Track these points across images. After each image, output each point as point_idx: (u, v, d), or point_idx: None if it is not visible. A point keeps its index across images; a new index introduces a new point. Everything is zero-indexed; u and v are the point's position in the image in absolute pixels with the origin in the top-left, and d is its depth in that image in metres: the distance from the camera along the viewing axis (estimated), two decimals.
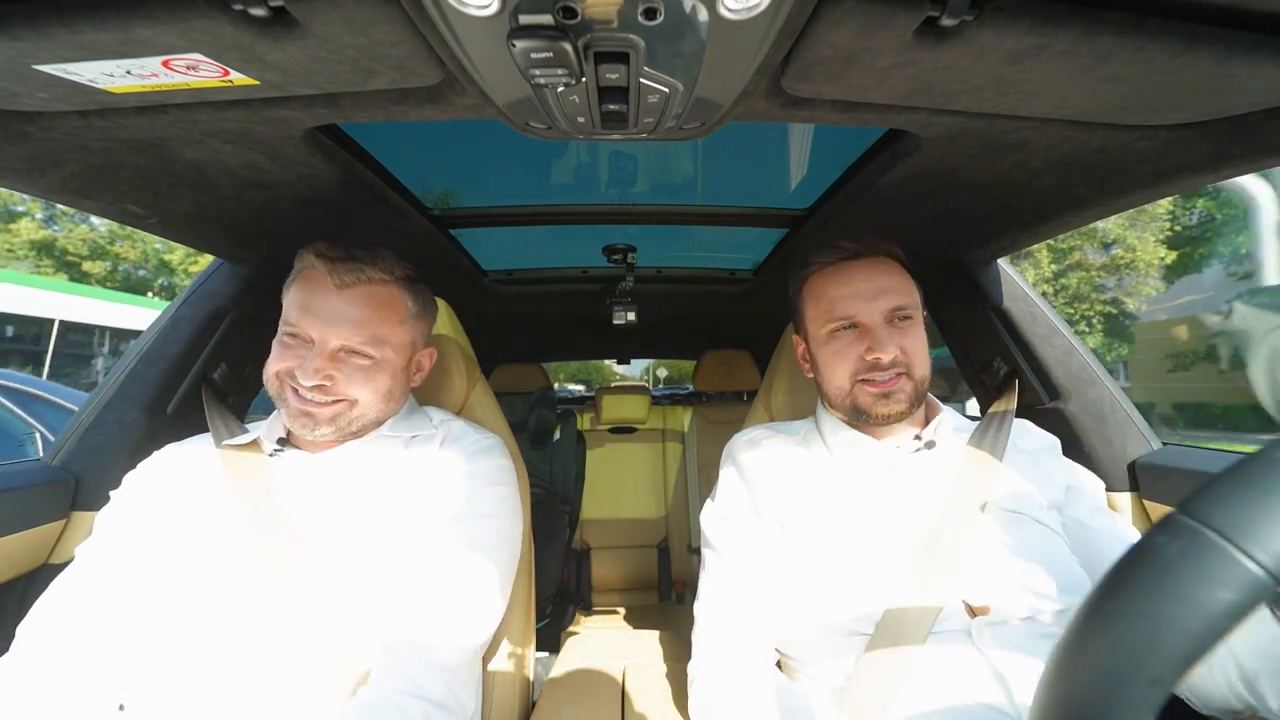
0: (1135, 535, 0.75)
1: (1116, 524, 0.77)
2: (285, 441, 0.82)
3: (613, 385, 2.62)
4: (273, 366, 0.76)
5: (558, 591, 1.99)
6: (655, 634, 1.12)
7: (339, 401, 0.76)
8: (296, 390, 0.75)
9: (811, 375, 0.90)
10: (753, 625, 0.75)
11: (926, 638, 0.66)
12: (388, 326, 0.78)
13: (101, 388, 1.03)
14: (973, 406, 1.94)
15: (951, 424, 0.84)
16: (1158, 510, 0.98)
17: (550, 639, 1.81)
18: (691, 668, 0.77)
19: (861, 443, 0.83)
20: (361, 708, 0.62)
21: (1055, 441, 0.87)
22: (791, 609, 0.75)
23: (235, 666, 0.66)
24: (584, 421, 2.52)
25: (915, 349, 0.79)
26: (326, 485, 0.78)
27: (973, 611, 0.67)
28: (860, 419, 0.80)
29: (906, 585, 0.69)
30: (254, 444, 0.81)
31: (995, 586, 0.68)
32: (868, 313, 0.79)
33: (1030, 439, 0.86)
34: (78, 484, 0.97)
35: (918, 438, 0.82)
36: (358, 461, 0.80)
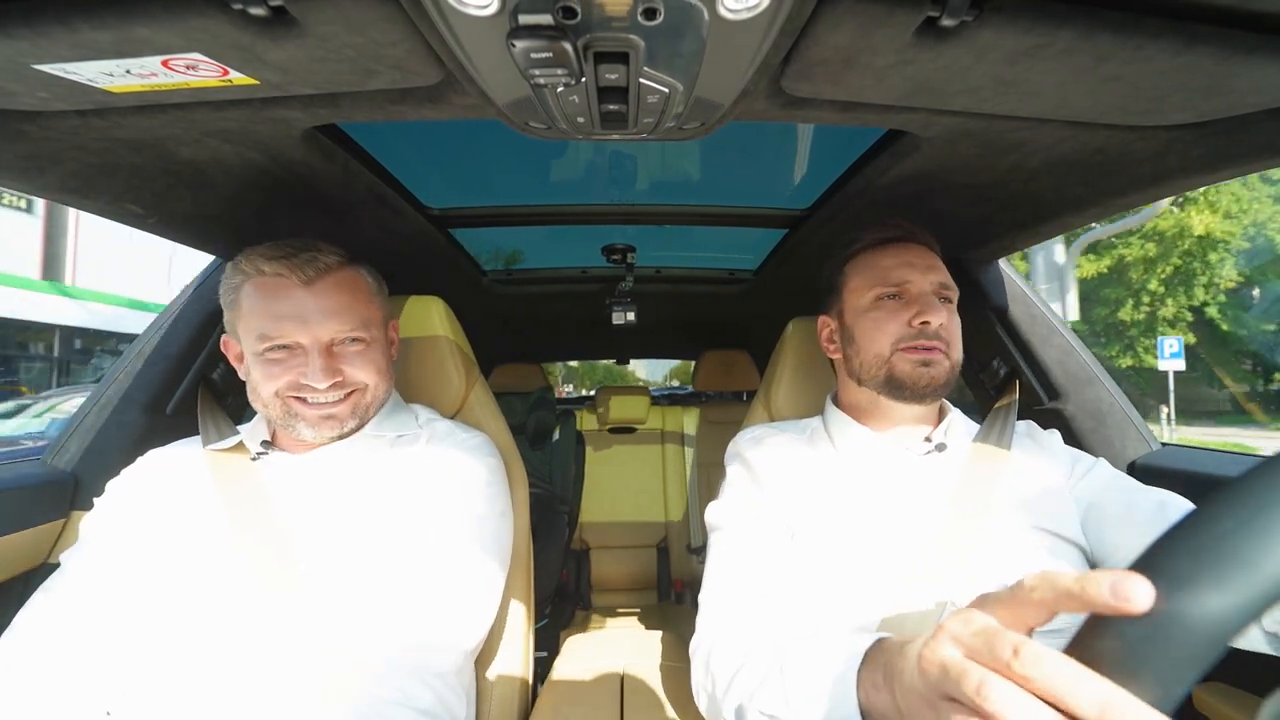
0: (1160, 493, 0.73)
1: (1135, 488, 0.76)
2: (270, 444, 0.81)
3: (620, 385, 2.62)
4: (269, 387, 0.73)
5: (557, 591, 1.99)
6: (655, 634, 1.12)
7: (353, 392, 0.76)
8: (305, 400, 0.74)
9: (837, 356, 0.88)
10: (760, 609, 0.73)
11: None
12: (363, 306, 0.78)
13: (100, 388, 1.03)
14: None
15: (961, 426, 0.84)
16: None
17: (549, 639, 1.81)
18: (694, 644, 0.74)
19: (870, 440, 0.82)
20: (348, 718, 0.61)
21: (1059, 440, 0.86)
22: (793, 609, 0.75)
23: (222, 674, 0.65)
24: (584, 421, 2.52)
25: (955, 332, 0.79)
26: (312, 488, 0.77)
27: None
28: (895, 392, 0.79)
29: (908, 589, 0.69)
30: (240, 447, 0.80)
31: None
32: (920, 282, 0.79)
33: (1036, 439, 0.85)
34: (77, 483, 0.97)
35: (928, 439, 0.81)
36: (343, 463, 0.79)
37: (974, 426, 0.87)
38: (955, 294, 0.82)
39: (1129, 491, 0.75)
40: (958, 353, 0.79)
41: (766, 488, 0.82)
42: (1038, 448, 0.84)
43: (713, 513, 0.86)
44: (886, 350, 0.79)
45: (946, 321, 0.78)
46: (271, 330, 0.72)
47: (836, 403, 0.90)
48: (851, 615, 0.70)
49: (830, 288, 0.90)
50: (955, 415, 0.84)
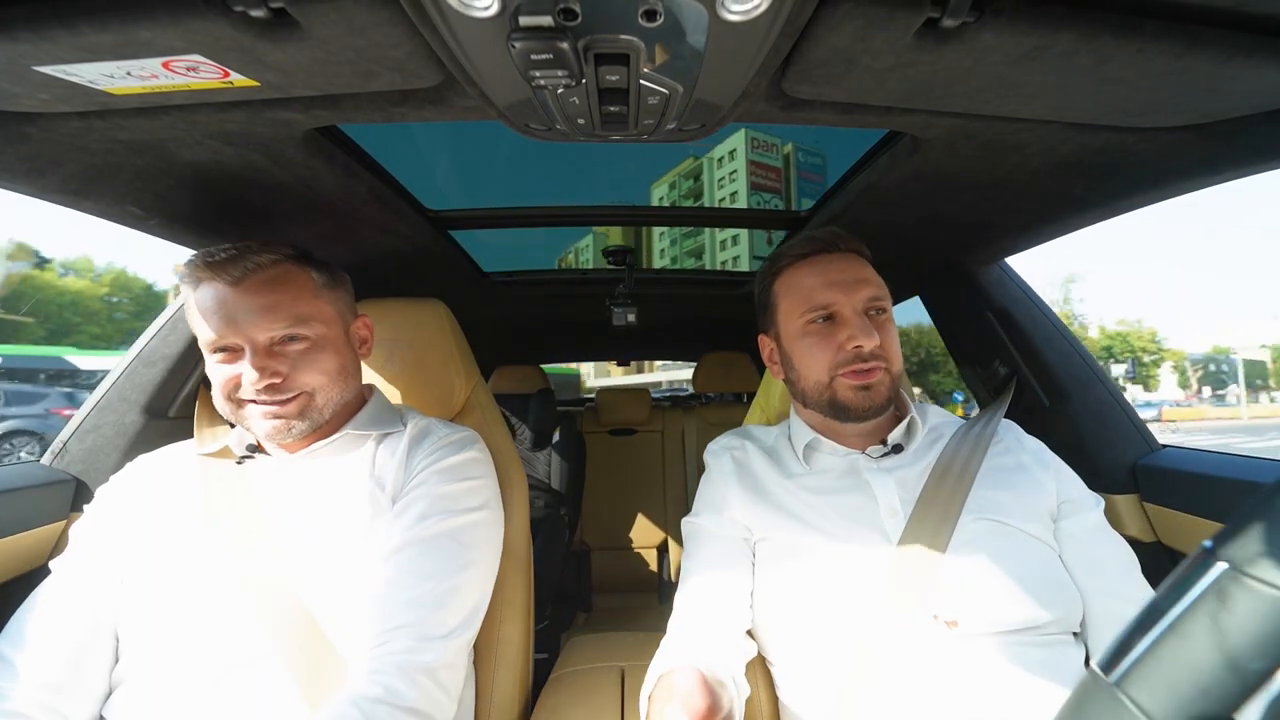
0: (1132, 555, 0.73)
1: (1114, 543, 0.75)
2: (255, 447, 0.81)
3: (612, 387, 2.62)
4: (221, 390, 0.73)
5: (558, 593, 1.99)
6: (655, 635, 1.11)
7: (298, 395, 0.75)
8: (253, 401, 0.73)
9: (782, 377, 0.87)
10: (710, 634, 0.72)
11: (897, 649, 0.65)
12: (303, 303, 0.76)
13: (101, 389, 1.03)
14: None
15: (927, 424, 0.83)
16: (1158, 513, 0.98)
17: (550, 641, 1.81)
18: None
19: (830, 448, 0.82)
20: (332, 715, 0.61)
21: (1045, 450, 0.83)
22: (765, 619, 0.74)
23: (212, 676, 0.65)
24: (584, 423, 2.52)
25: (891, 344, 0.77)
26: (296, 489, 0.77)
27: (943, 624, 0.66)
28: (840, 415, 0.78)
29: (877, 595, 0.68)
30: (228, 450, 0.81)
31: (968, 598, 0.66)
32: (847, 302, 0.77)
33: (1020, 443, 0.83)
34: (77, 485, 0.97)
35: (883, 441, 0.80)
36: (328, 463, 0.79)
37: (950, 422, 0.86)
38: (889, 304, 0.80)
39: (1103, 549, 0.74)
40: (897, 365, 0.78)
41: (731, 500, 0.82)
42: (1021, 450, 0.81)
43: (683, 529, 0.86)
44: (825, 377, 0.77)
45: (881, 338, 0.75)
46: (210, 333, 0.72)
47: (798, 410, 0.89)
48: (820, 625, 0.70)
49: (764, 306, 0.87)
50: (916, 414, 0.82)
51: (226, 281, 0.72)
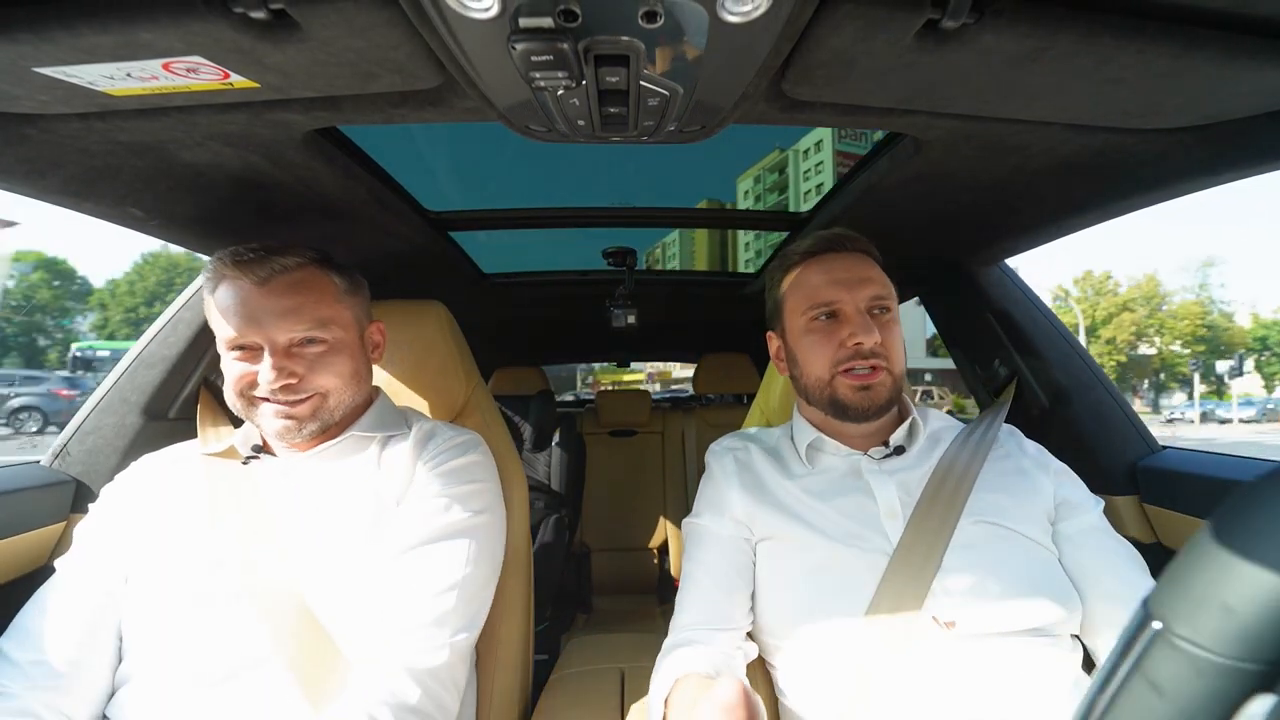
0: (1134, 556, 0.73)
1: (1114, 544, 0.74)
2: (261, 447, 0.81)
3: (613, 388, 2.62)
4: (234, 387, 0.74)
5: (557, 594, 1.99)
6: (655, 637, 1.11)
7: (311, 397, 0.76)
8: (267, 399, 0.74)
9: (788, 374, 0.87)
10: (711, 636, 0.73)
11: (896, 650, 0.65)
12: (325, 306, 0.77)
13: (101, 391, 1.03)
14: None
15: (929, 428, 0.83)
16: (1158, 514, 0.98)
17: (550, 643, 1.80)
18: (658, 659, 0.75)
19: (833, 448, 0.82)
20: (336, 715, 0.61)
21: (1045, 454, 0.83)
22: (766, 620, 0.75)
23: (215, 677, 0.66)
24: (584, 424, 2.53)
25: (894, 344, 0.77)
26: (301, 489, 0.78)
27: (941, 625, 0.66)
28: (840, 414, 0.78)
29: (876, 596, 0.68)
30: (233, 450, 0.81)
31: (965, 599, 0.66)
32: (850, 300, 0.77)
33: (1020, 448, 0.83)
34: (77, 487, 0.96)
35: (886, 443, 0.80)
36: (331, 464, 0.80)
37: (951, 425, 0.86)
38: (894, 304, 0.80)
39: (1105, 553, 0.73)
40: (899, 366, 0.78)
41: (733, 500, 0.82)
42: (1021, 455, 0.82)
43: (683, 530, 0.86)
44: (826, 374, 0.78)
45: (883, 337, 0.76)
46: (231, 331, 0.73)
47: (801, 410, 0.89)
48: (819, 625, 0.70)
49: (773, 304, 0.89)
50: (918, 416, 0.82)
51: (253, 281, 0.73)
